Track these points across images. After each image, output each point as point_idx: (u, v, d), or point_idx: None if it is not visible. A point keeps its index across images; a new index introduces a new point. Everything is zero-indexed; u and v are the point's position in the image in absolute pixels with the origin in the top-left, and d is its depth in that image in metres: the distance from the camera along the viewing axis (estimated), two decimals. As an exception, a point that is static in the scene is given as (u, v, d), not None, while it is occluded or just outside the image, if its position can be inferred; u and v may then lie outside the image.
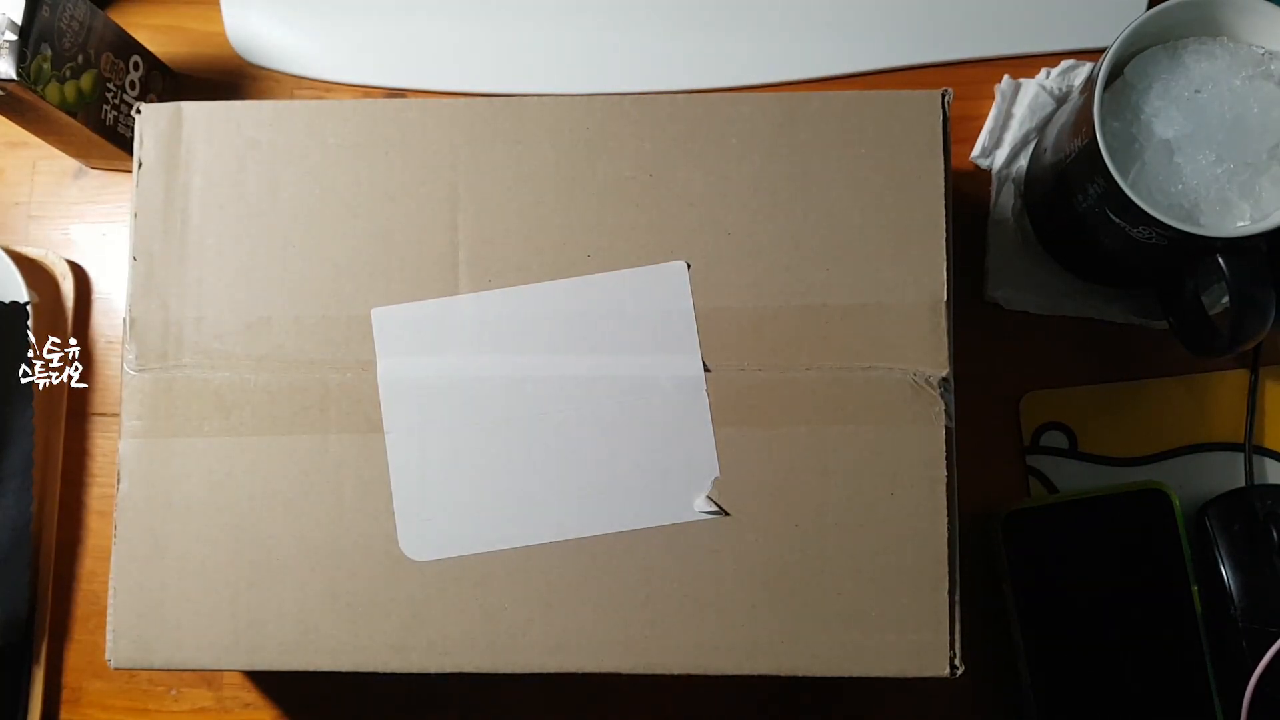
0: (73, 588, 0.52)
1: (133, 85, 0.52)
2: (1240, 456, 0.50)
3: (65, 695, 0.52)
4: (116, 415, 0.49)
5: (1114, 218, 0.43)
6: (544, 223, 0.43)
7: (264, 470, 0.42)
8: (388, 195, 0.43)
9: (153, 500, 0.43)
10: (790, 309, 0.42)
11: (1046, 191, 0.49)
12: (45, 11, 0.45)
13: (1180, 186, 0.43)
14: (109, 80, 0.50)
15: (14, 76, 0.44)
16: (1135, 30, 0.43)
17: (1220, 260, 0.41)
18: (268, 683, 0.51)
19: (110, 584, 0.42)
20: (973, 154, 0.53)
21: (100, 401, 0.54)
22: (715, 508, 0.41)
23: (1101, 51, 0.44)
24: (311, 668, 0.42)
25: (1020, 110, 0.52)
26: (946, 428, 0.42)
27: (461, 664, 0.41)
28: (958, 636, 0.41)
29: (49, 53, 0.46)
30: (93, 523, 0.53)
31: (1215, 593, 0.47)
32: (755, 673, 0.41)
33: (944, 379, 0.42)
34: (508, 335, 0.43)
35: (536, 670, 0.41)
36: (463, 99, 0.49)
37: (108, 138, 0.51)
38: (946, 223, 0.42)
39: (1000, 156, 0.52)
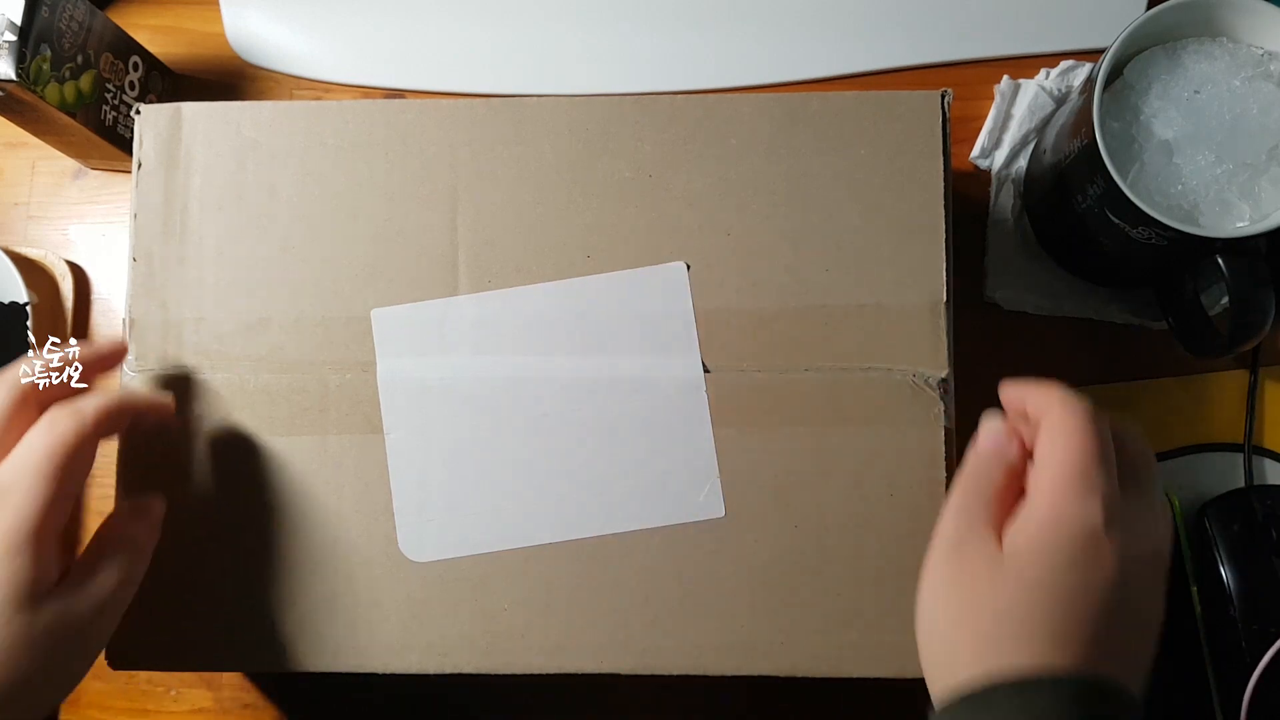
0: (72, 588, 0.52)
1: (132, 86, 0.52)
2: (1240, 457, 0.50)
3: (65, 696, 0.52)
4: (116, 416, 0.49)
5: (1113, 218, 0.43)
6: (543, 223, 0.43)
7: (264, 471, 0.42)
8: (387, 196, 0.43)
9: (152, 501, 0.43)
10: (790, 310, 0.42)
11: (1046, 192, 0.49)
12: (45, 12, 0.45)
13: (1179, 187, 0.43)
14: (108, 81, 0.50)
15: (13, 77, 0.44)
16: (1135, 31, 0.43)
17: (1220, 261, 0.41)
18: (268, 683, 0.51)
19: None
20: (972, 154, 0.53)
21: (100, 402, 0.53)
22: (718, 505, 0.41)
23: (1101, 52, 0.44)
24: (311, 668, 0.42)
25: (1020, 111, 0.52)
26: (946, 428, 0.42)
27: (460, 665, 0.41)
28: (957, 637, 0.40)
29: (48, 53, 0.46)
30: (92, 523, 0.53)
31: (1215, 593, 0.47)
32: (754, 673, 0.41)
33: (943, 380, 0.42)
34: (507, 336, 0.43)
35: (536, 671, 0.41)
36: (462, 99, 0.49)
37: (107, 138, 0.51)
38: (946, 223, 0.42)
39: (1000, 157, 0.52)
